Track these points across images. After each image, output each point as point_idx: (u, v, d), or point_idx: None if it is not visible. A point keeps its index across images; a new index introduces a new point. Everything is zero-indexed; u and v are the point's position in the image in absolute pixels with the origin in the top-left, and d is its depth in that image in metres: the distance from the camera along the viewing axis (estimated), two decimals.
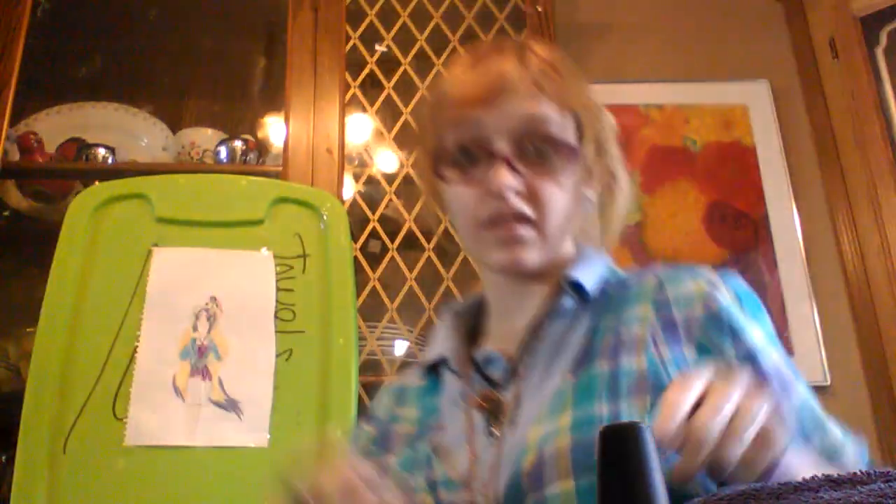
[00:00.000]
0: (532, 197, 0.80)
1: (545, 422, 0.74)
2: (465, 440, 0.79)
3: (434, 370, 0.90)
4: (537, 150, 0.80)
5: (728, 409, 0.55)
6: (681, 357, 0.76)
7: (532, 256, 0.81)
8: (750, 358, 0.75)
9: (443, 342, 0.90)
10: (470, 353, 0.88)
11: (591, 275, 0.84)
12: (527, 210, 0.80)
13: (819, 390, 2.01)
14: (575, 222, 0.86)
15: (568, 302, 0.83)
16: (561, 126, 0.81)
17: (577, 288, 0.83)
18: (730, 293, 0.80)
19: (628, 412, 0.71)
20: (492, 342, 0.88)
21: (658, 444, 0.51)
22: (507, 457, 0.75)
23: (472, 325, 0.92)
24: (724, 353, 0.75)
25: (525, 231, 0.80)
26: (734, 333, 0.76)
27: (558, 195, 0.81)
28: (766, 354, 0.76)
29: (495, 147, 0.80)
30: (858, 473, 0.45)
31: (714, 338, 0.76)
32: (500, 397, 0.80)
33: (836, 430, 0.76)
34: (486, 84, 0.81)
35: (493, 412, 0.80)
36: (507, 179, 0.78)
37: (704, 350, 0.76)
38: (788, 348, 2.03)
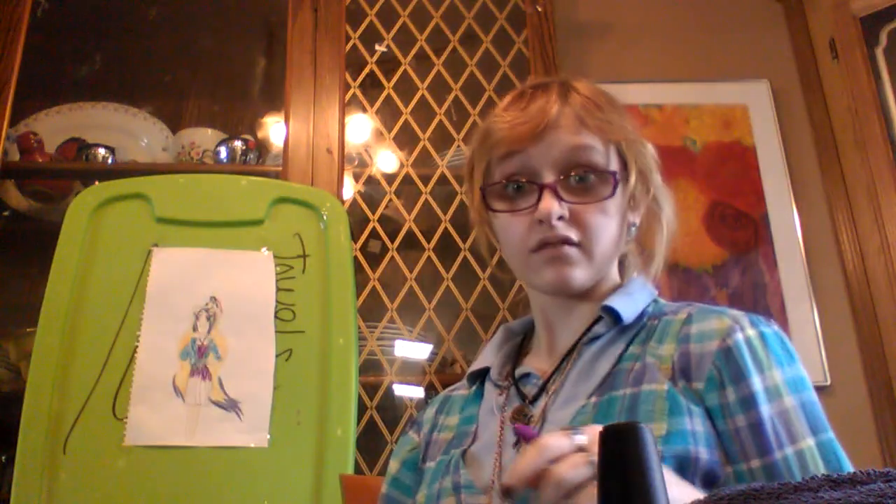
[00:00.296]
0: (577, 222, 0.84)
1: None
2: (494, 451, 0.83)
3: (478, 380, 0.95)
4: (582, 179, 0.85)
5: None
6: (689, 389, 0.78)
7: (579, 275, 0.85)
8: (748, 402, 0.76)
9: (489, 354, 0.95)
10: (512, 368, 0.92)
11: (630, 304, 0.87)
12: (573, 235, 0.84)
13: (819, 390, 2.01)
14: (620, 247, 0.90)
15: (602, 328, 0.86)
16: (604, 155, 0.85)
17: (614, 315, 0.85)
18: (754, 333, 0.80)
19: None
20: (533, 360, 0.92)
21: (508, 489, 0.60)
22: None
23: (521, 344, 0.97)
24: (724, 390, 0.77)
25: (572, 251, 0.84)
26: (740, 374, 0.77)
27: (603, 220, 0.85)
28: (768, 401, 0.76)
29: (542, 178, 0.85)
30: (858, 473, 0.45)
31: (722, 373, 0.78)
32: (530, 412, 0.85)
33: None
34: (531, 120, 0.85)
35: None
36: (553, 207, 0.82)
37: (712, 383, 0.77)
38: None
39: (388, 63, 2.03)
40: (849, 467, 0.76)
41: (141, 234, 1.52)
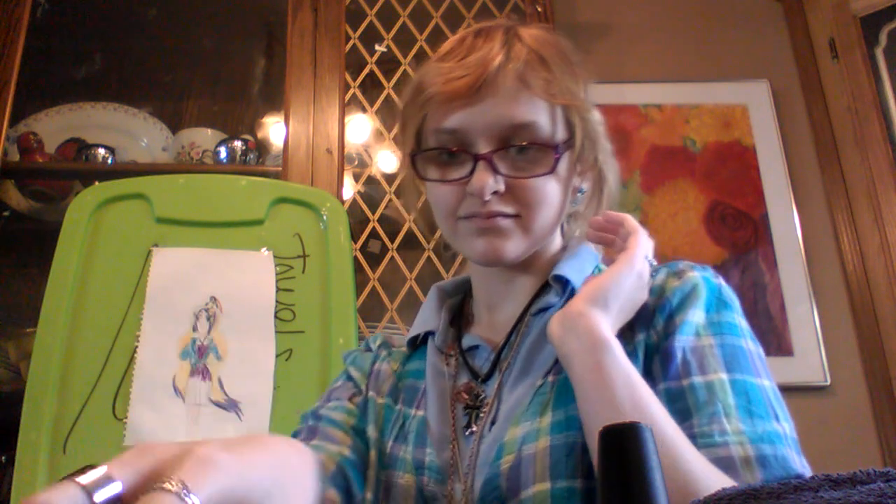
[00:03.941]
0: (514, 196, 0.77)
1: (524, 422, 0.74)
2: (448, 434, 0.79)
3: (416, 346, 0.90)
4: (520, 151, 0.77)
5: None
6: (638, 345, 0.75)
7: (511, 248, 0.78)
8: (668, 333, 0.74)
9: (430, 318, 0.89)
10: (456, 335, 0.87)
11: (578, 271, 0.82)
12: (508, 209, 0.77)
13: (819, 390, 2.02)
14: (563, 215, 0.84)
15: (553, 298, 0.81)
16: (547, 123, 0.77)
17: (564, 284, 0.81)
18: (694, 281, 0.77)
19: None
20: (478, 330, 0.87)
21: None
22: (485, 455, 0.75)
23: (458, 307, 0.91)
24: (656, 328, 0.75)
25: (505, 223, 0.77)
26: (670, 312, 0.75)
27: (542, 194, 0.78)
28: (686, 334, 0.74)
29: (476, 147, 0.77)
30: (858, 473, 0.45)
31: (656, 318, 0.76)
32: (481, 391, 0.80)
33: (739, 424, 0.68)
34: (469, 73, 0.76)
35: (474, 406, 0.79)
36: (487, 182, 0.75)
37: (645, 328, 0.76)
38: (788, 348, 2.04)
39: (388, 63, 2.03)
40: (764, 409, 0.70)
41: (141, 234, 1.52)
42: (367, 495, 0.78)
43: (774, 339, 2.04)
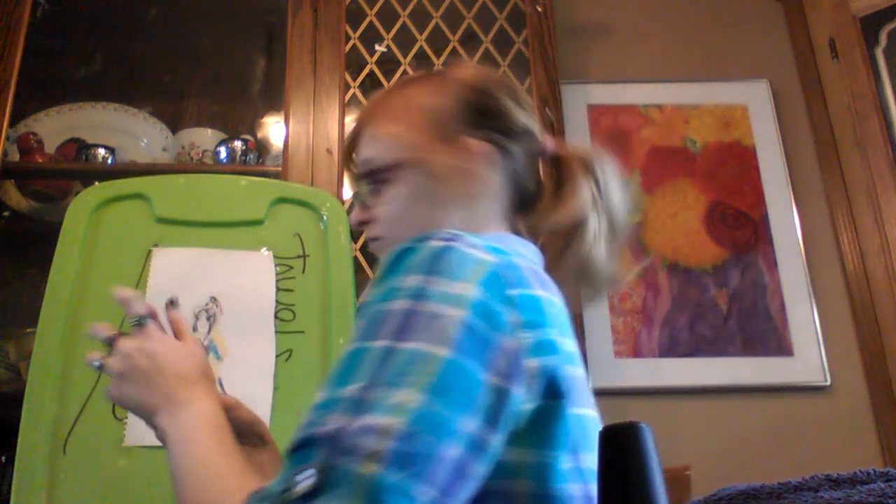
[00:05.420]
0: (376, 220, 0.95)
1: None
2: None
3: None
4: (374, 184, 0.95)
5: None
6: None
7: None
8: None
9: None
10: None
11: None
12: (374, 232, 0.95)
13: (819, 390, 2.02)
14: (433, 203, 0.93)
15: None
16: (379, 153, 0.95)
17: None
18: (380, 266, 0.75)
19: None
20: None
21: None
22: None
23: None
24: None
25: (375, 244, 0.96)
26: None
27: (389, 208, 0.94)
28: (365, 310, 0.72)
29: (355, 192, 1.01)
30: (858, 473, 0.45)
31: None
32: None
33: (317, 398, 0.67)
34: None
35: None
36: (354, 216, 0.97)
37: None
38: (788, 348, 2.04)
39: (388, 63, 2.03)
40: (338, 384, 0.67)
41: (141, 234, 1.52)
42: None
43: (774, 339, 2.04)
